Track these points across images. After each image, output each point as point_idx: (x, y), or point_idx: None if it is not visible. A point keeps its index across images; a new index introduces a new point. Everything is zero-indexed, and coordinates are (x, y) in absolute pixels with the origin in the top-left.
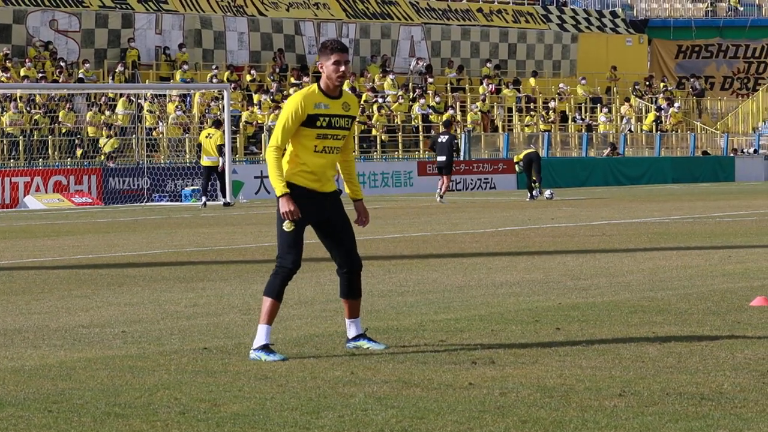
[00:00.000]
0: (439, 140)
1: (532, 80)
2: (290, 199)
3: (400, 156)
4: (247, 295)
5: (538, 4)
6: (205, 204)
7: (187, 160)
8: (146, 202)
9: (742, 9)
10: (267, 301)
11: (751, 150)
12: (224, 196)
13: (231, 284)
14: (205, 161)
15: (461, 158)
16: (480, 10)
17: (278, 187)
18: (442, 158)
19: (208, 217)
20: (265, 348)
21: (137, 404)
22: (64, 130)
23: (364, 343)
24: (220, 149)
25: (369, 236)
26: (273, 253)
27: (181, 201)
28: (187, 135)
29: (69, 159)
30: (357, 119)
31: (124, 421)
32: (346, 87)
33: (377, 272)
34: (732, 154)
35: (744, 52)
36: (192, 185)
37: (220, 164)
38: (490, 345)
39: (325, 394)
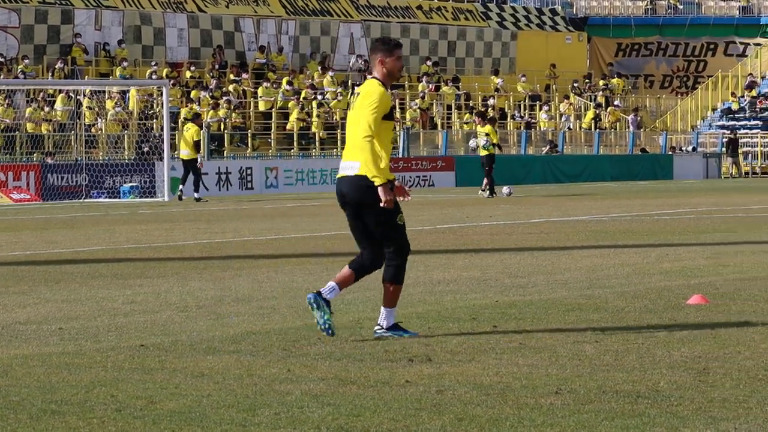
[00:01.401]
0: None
1: (471, 77)
2: (387, 186)
3: (339, 153)
4: (184, 293)
5: (478, 2)
6: (180, 197)
7: (126, 157)
8: (85, 198)
9: (681, 7)
10: (399, 289)
11: (690, 148)
12: (197, 191)
13: (168, 281)
14: (181, 154)
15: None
16: (419, 7)
17: (380, 176)
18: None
19: (146, 214)
20: (396, 327)
21: (74, 401)
22: (2, 126)
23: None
24: (197, 145)
25: (308, 233)
26: (210, 250)
27: (119, 198)
28: (126, 132)
29: (8, 155)
30: None
31: (60, 418)
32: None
33: (315, 269)
34: (670, 152)
35: (683, 51)
36: (131, 182)
37: (198, 159)
38: (427, 343)
39: (262, 392)
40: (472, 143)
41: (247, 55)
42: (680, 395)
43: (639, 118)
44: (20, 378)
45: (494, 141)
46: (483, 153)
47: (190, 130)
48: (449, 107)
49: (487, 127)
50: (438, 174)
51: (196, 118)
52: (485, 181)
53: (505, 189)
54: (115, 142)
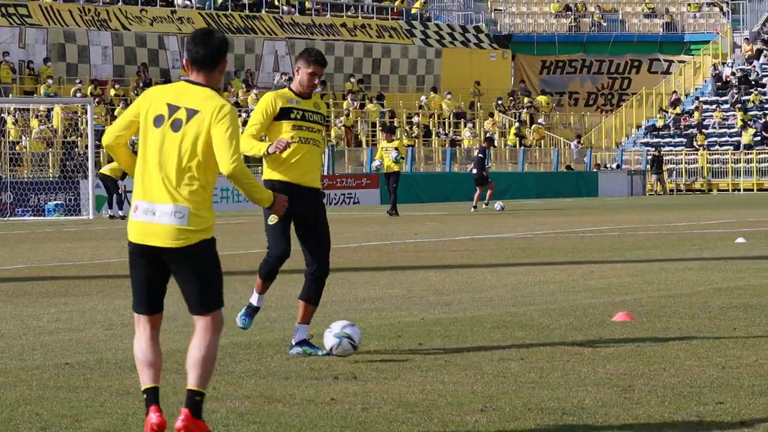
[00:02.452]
0: (477, 154)
1: (396, 95)
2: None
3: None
4: (109, 311)
5: (402, 20)
6: (111, 216)
7: (51, 175)
8: (9, 216)
9: (605, 25)
10: (258, 280)
11: (614, 165)
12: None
13: (93, 299)
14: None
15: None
16: (344, 24)
17: (261, 147)
18: (474, 171)
19: (71, 232)
20: (250, 309)
21: (63, 413)
22: None
23: (307, 349)
24: (125, 175)
25: (231, 251)
26: None
27: (44, 216)
28: (50, 149)
29: None
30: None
31: None
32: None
33: (240, 288)
34: (595, 170)
35: (608, 68)
36: (55, 200)
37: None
38: (353, 360)
39: None
40: (375, 163)
41: (172, 73)
42: (605, 412)
43: (581, 145)
44: (7, 394)
45: (403, 155)
46: (394, 168)
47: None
48: (374, 125)
49: (396, 142)
50: (363, 192)
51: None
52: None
53: (498, 204)
54: (40, 160)
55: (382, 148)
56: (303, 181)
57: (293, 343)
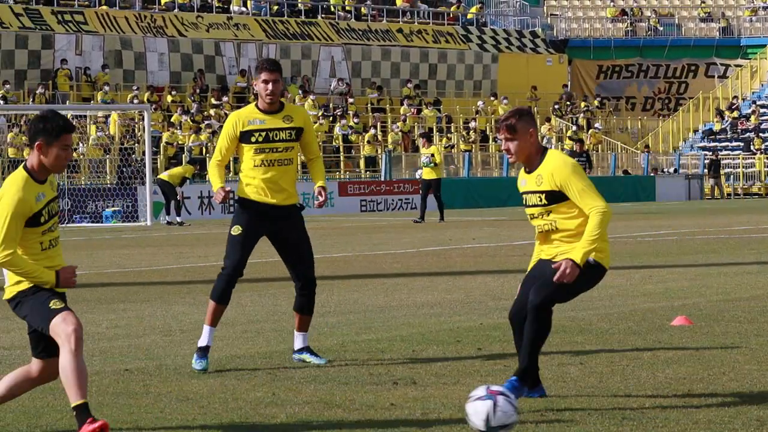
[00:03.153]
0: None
1: (452, 100)
2: (223, 189)
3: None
4: (168, 317)
5: (458, 25)
6: (168, 222)
7: (108, 181)
8: (67, 223)
9: (661, 29)
10: (210, 304)
11: (672, 170)
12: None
13: (152, 305)
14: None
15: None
16: (400, 30)
17: (215, 184)
18: None
19: (129, 239)
20: (201, 351)
21: (58, 426)
22: None
23: (306, 356)
24: (184, 180)
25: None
26: (194, 274)
27: (102, 222)
28: (108, 156)
29: None
30: (308, 129)
31: None
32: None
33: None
34: (653, 174)
35: (665, 72)
36: (113, 206)
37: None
38: (412, 365)
39: (247, 416)
40: (419, 172)
41: (228, 79)
42: (665, 417)
43: (650, 154)
44: (5, 403)
45: (437, 161)
46: (432, 175)
47: (186, 168)
48: (430, 130)
49: (433, 148)
50: (419, 197)
51: (195, 163)
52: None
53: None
54: (97, 167)
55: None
56: (276, 200)
57: (294, 350)
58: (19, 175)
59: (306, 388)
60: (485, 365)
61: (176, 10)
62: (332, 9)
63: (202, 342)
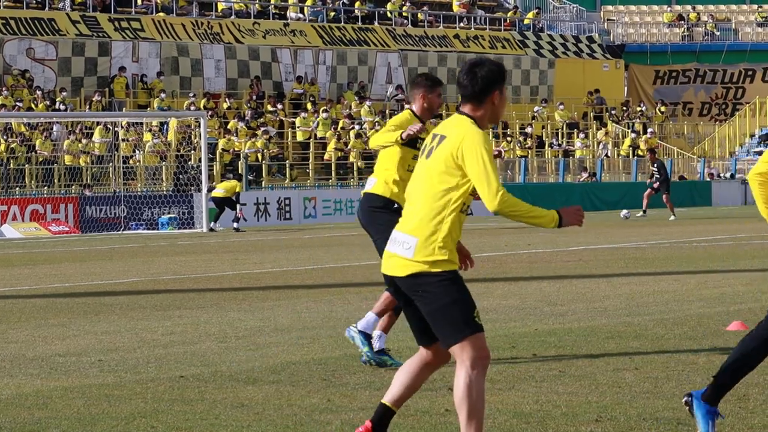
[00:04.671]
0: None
1: (509, 106)
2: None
3: None
4: (223, 323)
5: (515, 30)
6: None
7: (164, 188)
8: (123, 230)
9: (718, 34)
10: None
11: (728, 175)
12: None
13: (208, 312)
14: (215, 193)
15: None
16: (457, 36)
17: (394, 135)
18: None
19: (185, 245)
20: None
21: None
22: (41, 159)
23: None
24: (237, 195)
25: (346, 263)
26: (249, 281)
27: (158, 229)
28: (164, 163)
29: (46, 188)
30: None
31: None
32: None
33: (354, 299)
34: (709, 179)
35: (721, 78)
36: (169, 213)
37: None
38: None
39: (302, 422)
40: None
41: (284, 86)
42: (720, 422)
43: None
44: (60, 410)
45: None
46: None
47: (233, 183)
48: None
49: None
50: (476, 202)
51: (240, 177)
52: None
53: (624, 212)
54: (153, 174)
55: None
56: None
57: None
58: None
59: (361, 394)
60: (540, 371)
61: (233, 17)
62: (389, 15)
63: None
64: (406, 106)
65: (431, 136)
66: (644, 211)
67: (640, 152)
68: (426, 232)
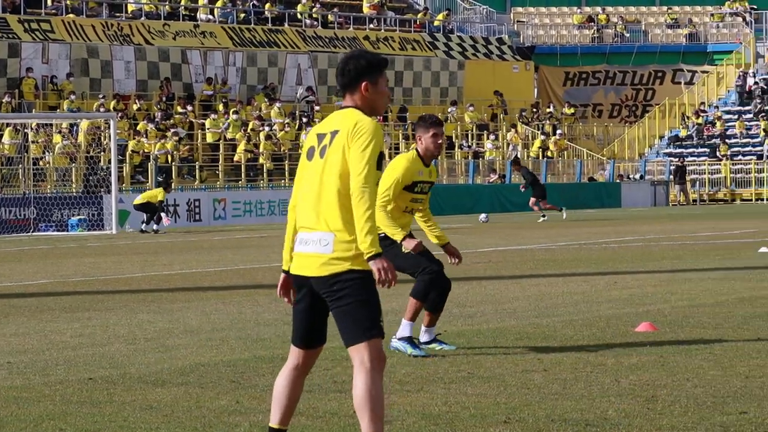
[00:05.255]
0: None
1: (419, 107)
2: (412, 238)
3: (287, 184)
4: (132, 325)
5: (425, 32)
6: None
7: (74, 190)
8: (32, 232)
9: (628, 35)
10: (413, 302)
11: (638, 176)
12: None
13: (117, 314)
14: (136, 200)
15: None
16: (366, 37)
17: (397, 234)
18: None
19: (94, 247)
20: (409, 340)
21: None
22: None
23: (435, 346)
24: (160, 204)
25: (256, 265)
26: (158, 282)
27: (67, 231)
28: (73, 164)
29: None
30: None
31: None
32: None
33: (263, 301)
34: (618, 181)
35: (631, 79)
36: (78, 215)
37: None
38: None
39: (211, 424)
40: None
41: (194, 87)
42: (629, 423)
43: (614, 162)
44: None
45: None
46: None
47: (155, 192)
48: (396, 137)
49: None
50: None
51: (167, 185)
52: None
53: (482, 216)
54: (63, 176)
55: None
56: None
57: (421, 341)
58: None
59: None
60: (449, 373)
61: (143, 18)
62: (299, 16)
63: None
64: (417, 146)
65: (316, 136)
66: (544, 215)
67: (549, 153)
68: (340, 227)
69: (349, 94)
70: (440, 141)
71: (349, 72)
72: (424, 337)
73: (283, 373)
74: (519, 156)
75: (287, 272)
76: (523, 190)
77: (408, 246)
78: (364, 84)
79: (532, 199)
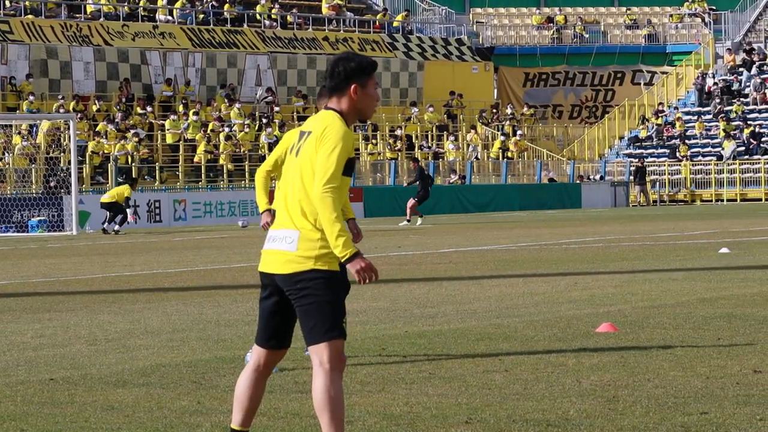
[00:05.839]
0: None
1: (378, 108)
2: (269, 213)
3: (247, 185)
4: (93, 326)
5: (385, 33)
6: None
7: (34, 191)
8: None
9: (587, 36)
10: None
11: (597, 177)
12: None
13: (77, 315)
14: (103, 198)
15: None
16: (326, 38)
17: (261, 203)
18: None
19: (54, 248)
20: None
21: None
22: None
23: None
24: (127, 201)
25: (216, 266)
26: (119, 283)
27: (27, 232)
28: (33, 165)
29: None
30: None
31: None
32: None
33: (224, 301)
34: (578, 181)
35: (591, 80)
36: (38, 216)
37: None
38: None
39: (172, 424)
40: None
41: (154, 88)
42: (590, 423)
43: (575, 163)
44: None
45: None
46: None
47: (122, 189)
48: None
49: None
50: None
51: (132, 181)
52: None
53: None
54: (23, 176)
55: None
56: None
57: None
58: None
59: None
60: (410, 373)
61: (102, 19)
62: (258, 17)
63: None
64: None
65: (299, 133)
66: (416, 218)
67: (509, 155)
68: (307, 226)
69: (336, 97)
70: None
71: (339, 74)
72: None
73: (245, 374)
74: (478, 156)
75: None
76: (405, 185)
77: (261, 220)
78: (353, 87)
79: (413, 201)
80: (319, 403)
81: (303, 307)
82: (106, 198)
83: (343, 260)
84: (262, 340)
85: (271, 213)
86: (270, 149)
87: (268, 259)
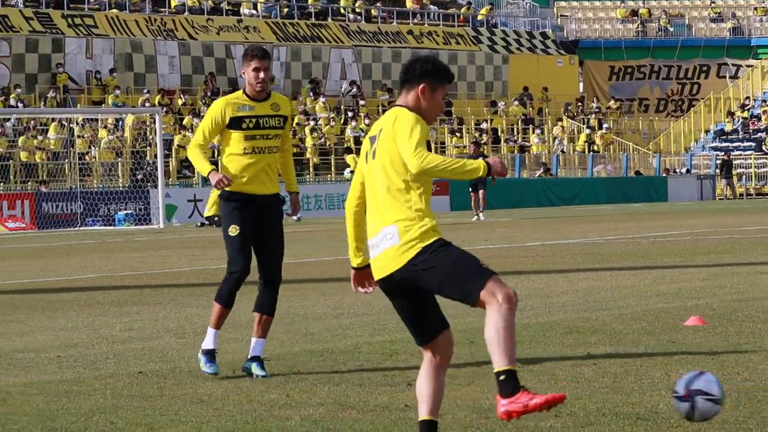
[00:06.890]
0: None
1: (464, 102)
2: (217, 171)
3: (333, 179)
4: (181, 319)
5: (469, 26)
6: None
7: (120, 184)
8: (80, 226)
9: (672, 29)
10: (216, 307)
11: (684, 170)
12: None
13: (166, 308)
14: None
15: None
16: (410, 32)
17: (204, 168)
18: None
19: (141, 241)
20: (209, 354)
21: (73, 429)
22: None
23: (254, 367)
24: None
25: (304, 259)
26: (207, 276)
27: (114, 225)
28: (120, 159)
29: (2, 184)
30: (291, 120)
31: None
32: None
33: (312, 295)
34: (665, 175)
35: (676, 74)
36: (125, 209)
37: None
38: None
39: (261, 417)
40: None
41: (239, 82)
42: (679, 417)
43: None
44: (19, 406)
45: None
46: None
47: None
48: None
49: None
50: (433, 198)
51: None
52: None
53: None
54: (109, 170)
55: None
56: (261, 190)
57: (248, 357)
58: None
59: (320, 389)
60: None
61: (186, 13)
62: (342, 11)
63: (209, 345)
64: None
65: (368, 139)
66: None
67: (596, 148)
68: (401, 216)
69: (405, 90)
70: (261, 75)
71: (414, 71)
72: (253, 350)
73: (424, 369)
74: (564, 150)
75: (356, 268)
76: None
77: (212, 180)
78: (422, 86)
79: (482, 192)
80: (491, 335)
81: (438, 279)
82: (207, 212)
83: (483, 174)
84: (420, 341)
85: (218, 170)
86: (355, 142)
87: (377, 265)
